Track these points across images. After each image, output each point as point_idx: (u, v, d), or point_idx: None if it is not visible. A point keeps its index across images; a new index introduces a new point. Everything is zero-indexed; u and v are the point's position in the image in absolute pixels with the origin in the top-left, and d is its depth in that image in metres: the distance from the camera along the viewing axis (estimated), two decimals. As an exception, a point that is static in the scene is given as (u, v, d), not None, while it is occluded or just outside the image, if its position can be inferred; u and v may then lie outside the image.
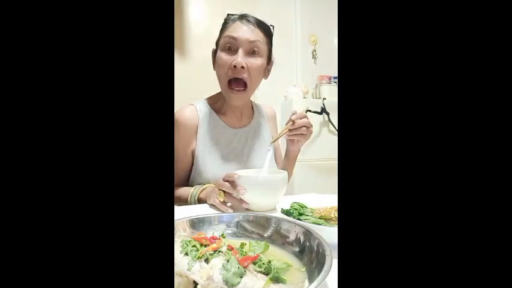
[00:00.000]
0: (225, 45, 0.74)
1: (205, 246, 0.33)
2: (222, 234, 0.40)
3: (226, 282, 0.28)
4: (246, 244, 0.36)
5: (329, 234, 0.38)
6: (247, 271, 0.29)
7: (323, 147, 1.70)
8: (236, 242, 0.36)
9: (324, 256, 0.30)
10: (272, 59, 0.83)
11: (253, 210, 0.62)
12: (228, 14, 0.79)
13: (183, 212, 0.63)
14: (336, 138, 1.75)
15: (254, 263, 0.31)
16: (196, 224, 0.44)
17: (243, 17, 0.76)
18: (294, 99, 1.94)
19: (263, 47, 0.76)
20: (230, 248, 0.33)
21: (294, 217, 0.49)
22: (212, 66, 0.83)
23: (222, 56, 0.74)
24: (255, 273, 0.29)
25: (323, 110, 1.93)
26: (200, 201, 0.73)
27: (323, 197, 0.60)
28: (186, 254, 0.32)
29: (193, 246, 0.33)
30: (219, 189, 0.63)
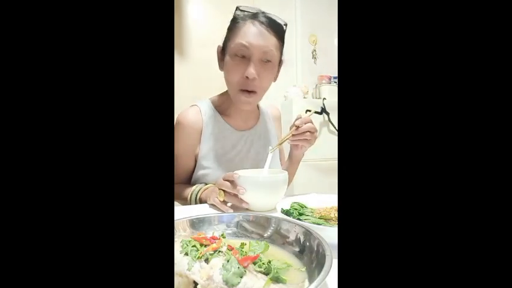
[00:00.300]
0: (237, 52, 0.69)
1: (205, 246, 0.33)
2: (222, 234, 0.40)
3: (226, 282, 0.28)
4: (246, 244, 0.36)
5: (329, 234, 0.38)
6: (247, 271, 0.29)
7: (323, 147, 1.70)
8: (236, 242, 0.36)
9: (324, 256, 0.30)
10: (282, 60, 0.80)
11: (253, 210, 0.62)
12: (238, 8, 0.73)
13: (183, 212, 0.63)
14: (336, 138, 1.75)
15: (254, 263, 0.31)
16: (196, 224, 0.44)
17: (255, 17, 0.70)
18: (294, 99, 1.94)
19: (276, 54, 0.72)
20: (230, 248, 0.33)
21: (294, 217, 0.49)
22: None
23: (234, 62, 0.71)
24: (255, 273, 0.29)
25: (323, 110, 1.93)
26: (201, 201, 0.73)
27: (323, 197, 0.60)
28: (186, 254, 0.32)
29: (193, 246, 0.33)
30: (219, 189, 0.63)
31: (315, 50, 2.44)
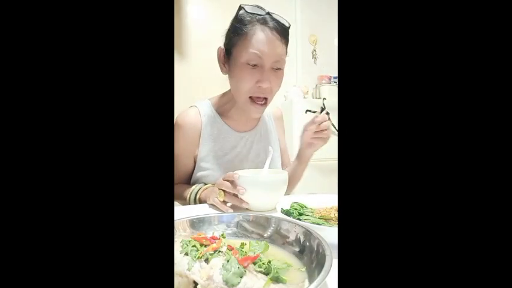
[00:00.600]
0: (250, 61, 0.68)
1: (205, 246, 0.33)
2: (222, 234, 0.40)
3: (226, 282, 0.28)
4: (246, 244, 0.36)
5: (329, 234, 0.38)
6: (247, 271, 0.29)
7: (323, 147, 1.70)
8: (236, 242, 0.36)
9: (324, 256, 0.30)
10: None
11: (253, 210, 0.62)
12: (242, 8, 0.70)
13: (183, 212, 0.63)
14: (336, 138, 1.74)
15: (254, 263, 0.31)
16: (196, 224, 0.44)
17: (264, 22, 0.68)
18: (294, 99, 1.94)
19: (284, 59, 0.72)
20: (230, 248, 0.33)
21: (294, 217, 0.49)
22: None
23: (245, 71, 0.69)
24: (255, 273, 0.29)
25: (323, 110, 1.93)
26: (200, 201, 0.73)
27: (323, 197, 0.60)
28: (186, 254, 0.32)
29: (193, 246, 0.33)
30: (219, 189, 0.63)
31: (315, 50, 2.44)
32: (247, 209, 0.61)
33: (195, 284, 0.29)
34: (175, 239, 0.35)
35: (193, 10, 2.13)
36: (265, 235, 0.42)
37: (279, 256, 0.36)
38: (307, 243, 0.36)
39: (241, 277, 0.28)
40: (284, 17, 0.73)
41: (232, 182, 0.61)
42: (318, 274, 0.27)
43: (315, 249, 0.34)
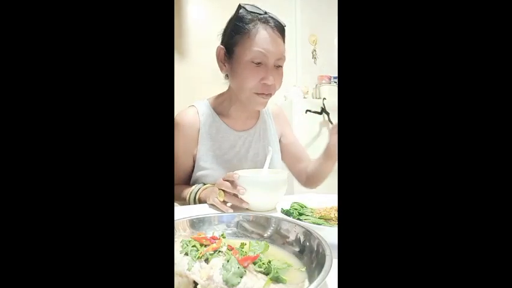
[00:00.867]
0: (254, 59, 0.69)
1: (205, 246, 0.33)
2: (222, 234, 0.40)
3: (226, 282, 0.28)
4: (246, 244, 0.36)
5: (329, 234, 0.38)
6: (247, 271, 0.29)
7: (323, 147, 1.70)
8: (236, 242, 0.36)
9: (324, 256, 0.30)
10: None
11: (253, 210, 0.62)
12: (242, 7, 0.71)
13: (183, 212, 0.63)
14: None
15: (254, 263, 0.31)
16: (196, 224, 0.44)
17: (265, 21, 0.70)
18: (294, 99, 1.94)
19: (285, 57, 0.74)
20: (230, 248, 0.33)
21: (294, 217, 0.49)
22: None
23: (249, 69, 0.70)
24: (255, 273, 0.29)
25: (323, 110, 1.94)
26: (200, 201, 0.73)
27: (322, 197, 0.60)
28: (186, 254, 0.32)
29: (193, 246, 0.33)
30: (219, 189, 0.63)
31: (315, 50, 2.44)
32: (247, 209, 0.61)
33: (195, 284, 0.29)
34: (175, 239, 0.35)
35: (193, 10, 2.13)
36: (265, 235, 0.42)
37: (279, 256, 0.36)
38: (307, 243, 0.36)
39: (241, 277, 0.28)
40: (283, 17, 0.75)
41: (232, 182, 0.61)
42: (318, 274, 0.27)
43: (315, 249, 0.34)
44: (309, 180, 0.88)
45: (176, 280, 0.30)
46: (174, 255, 0.32)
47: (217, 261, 0.30)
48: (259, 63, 0.70)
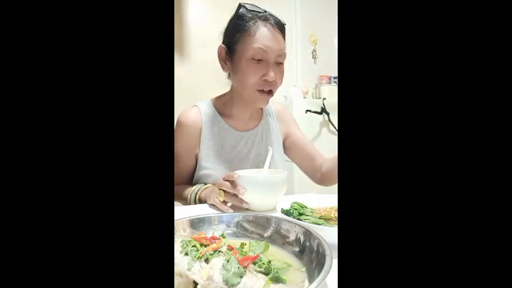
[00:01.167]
0: (255, 56, 0.70)
1: (205, 246, 0.33)
2: (222, 234, 0.40)
3: (226, 282, 0.28)
4: (246, 244, 0.36)
5: (329, 234, 0.38)
6: (247, 271, 0.29)
7: (323, 147, 1.70)
8: (236, 242, 0.36)
9: (324, 256, 0.30)
10: None
11: (253, 210, 0.62)
12: (242, 6, 0.72)
13: (183, 212, 0.63)
14: (336, 138, 1.75)
15: (254, 263, 0.31)
16: (196, 224, 0.44)
17: (265, 18, 0.71)
18: (294, 99, 1.94)
19: (285, 54, 0.74)
20: (230, 248, 0.33)
21: (294, 217, 0.49)
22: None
23: (250, 66, 0.71)
24: (255, 273, 0.29)
25: (323, 110, 1.94)
26: (200, 201, 0.73)
27: (323, 197, 0.60)
28: (186, 254, 0.32)
29: (193, 246, 0.33)
30: (219, 189, 0.63)
31: (315, 50, 2.44)
32: (247, 209, 0.61)
33: (195, 284, 0.29)
34: (175, 239, 0.35)
35: (193, 10, 2.13)
36: (265, 235, 0.42)
37: (279, 256, 0.36)
38: (307, 243, 0.36)
39: (241, 277, 0.28)
40: (283, 17, 0.76)
41: (232, 182, 0.61)
42: (318, 274, 0.27)
43: (315, 249, 0.34)
44: (325, 178, 0.86)
45: (176, 280, 0.30)
46: (174, 255, 0.32)
47: (217, 261, 0.30)
48: (259, 60, 0.70)
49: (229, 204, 0.62)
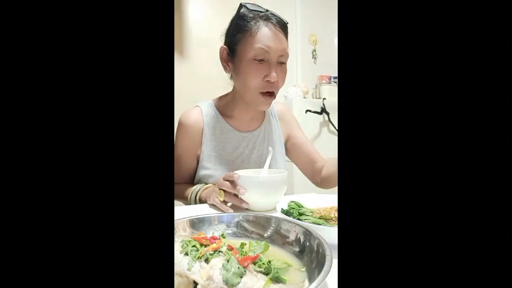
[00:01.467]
0: (257, 56, 0.69)
1: (205, 246, 0.33)
2: (222, 234, 0.40)
3: (226, 282, 0.28)
4: (246, 244, 0.36)
5: (329, 234, 0.38)
6: (247, 271, 0.29)
7: (323, 147, 1.71)
8: (236, 242, 0.36)
9: (324, 256, 0.30)
10: None
11: (253, 210, 0.62)
12: (243, 6, 0.71)
13: (183, 212, 0.63)
14: (336, 138, 1.75)
15: (254, 263, 0.31)
16: (196, 224, 0.44)
17: (267, 18, 0.70)
18: (294, 99, 1.94)
19: (288, 54, 0.73)
20: (230, 248, 0.33)
21: (294, 217, 0.49)
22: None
23: (253, 67, 0.70)
24: (255, 273, 0.29)
25: (323, 110, 1.94)
26: (200, 200, 0.73)
27: (323, 197, 0.60)
28: (186, 254, 0.32)
29: (193, 246, 0.33)
30: (219, 189, 0.63)
31: (315, 50, 2.44)
32: (247, 209, 0.61)
33: (195, 284, 0.29)
34: (175, 239, 0.35)
35: (193, 10, 2.13)
36: (265, 235, 0.42)
37: (279, 256, 0.36)
38: (307, 243, 0.36)
39: (241, 277, 0.28)
40: (283, 17, 0.74)
41: (232, 182, 0.61)
42: (318, 274, 0.27)
43: (315, 249, 0.34)
44: (325, 181, 0.85)
45: (176, 280, 0.30)
46: (174, 255, 0.32)
47: (217, 261, 0.30)
48: (261, 60, 0.69)
49: (229, 204, 0.62)
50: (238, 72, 0.73)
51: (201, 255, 0.31)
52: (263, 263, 0.30)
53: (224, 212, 0.58)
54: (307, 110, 1.90)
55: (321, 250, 0.32)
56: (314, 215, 0.51)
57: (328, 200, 0.58)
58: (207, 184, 0.76)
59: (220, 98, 0.86)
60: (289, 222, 0.41)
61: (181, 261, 0.31)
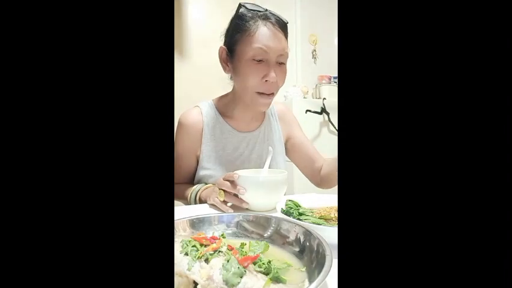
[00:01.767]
0: (255, 56, 0.68)
1: (205, 246, 0.33)
2: (222, 234, 0.40)
3: (226, 282, 0.28)
4: (246, 244, 0.36)
5: (329, 234, 0.38)
6: (247, 271, 0.29)
7: (323, 147, 1.71)
8: (236, 242, 0.36)
9: (324, 256, 0.30)
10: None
11: (253, 210, 0.62)
12: (242, 6, 0.71)
13: (183, 212, 0.63)
14: (336, 138, 1.75)
15: (254, 263, 0.31)
16: (196, 224, 0.44)
17: (266, 17, 0.69)
18: (294, 99, 1.94)
19: (287, 54, 0.72)
20: (230, 248, 0.33)
21: (294, 217, 0.49)
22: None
23: (251, 67, 0.69)
24: (255, 273, 0.29)
25: (323, 110, 1.94)
26: (200, 200, 0.73)
27: (322, 197, 0.60)
28: (186, 254, 0.32)
29: (193, 246, 0.33)
30: (219, 189, 0.63)
31: (315, 50, 2.44)
32: (247, 209, 0.61)
33: (195, 284, 0.29)
34: (175, 239, 0.35)
35: (193, 10, 2.13)
36: (265, 235, 0.42)
37: (279, 256, 0.36)
38: (307, 243, 0.36)
39: (241, 277, 0.28)
40: (283, 16, 0.74)
41: (232, 182, 0.61)
42: (318, 274, 0.27)
43: (315, 249, 0.34)
44: (324, 180, 0.85)
45: (176, 280, 0.30)
46: (174, 255, 0.32)
47: (217, 261, 0.30)
48: (260, 60, 0.69)
49: (229, 204, 0.62)
50: (237, 73, 0.73)
51: (201, 255, 0.31)
52: (263, 263, 0.30)
53: (224, 212, 0.58)
54: (307, 110, 1.90)
55: (321, 250, 0.32)
56: (314, 215, 0.51)
57: (328, 200, 0.58)
58: (206, 184, 0.76)
59: (220, 98, 0.86)
60: (289, 222, 0.41)
61: (181, 261, 0.31)
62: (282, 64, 0.72)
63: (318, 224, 0.44)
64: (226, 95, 0.85)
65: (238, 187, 0.60)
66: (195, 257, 0.31)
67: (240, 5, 0.72)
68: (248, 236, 0.44)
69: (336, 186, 0.27)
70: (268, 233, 0.42)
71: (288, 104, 1.92)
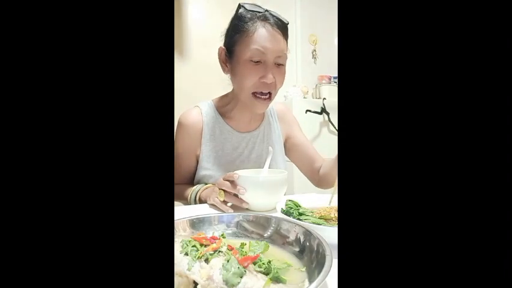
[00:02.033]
0: (253, 57, 0.68)
1: (205, 246, 0.33)
2: (222, 234, 0.40)
3: (226, 282, 0.28)
4: (246, 244, 0.36)
5: (329, 234, 0.38)
6: (247, 271, 0.29)
7: (323, 147, 1.70)
8: (236, 242, 0.36)
9: (324, 256, 0.30)
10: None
11: (253, 210, 0.62)
12: (241, 7, 0.71)
13: (183, 212, 0.63)
14: (336, 138, 1.75)
15: (254, 263, 0.31)
16: (196, 224, 0.44)
17: (265, 18, 0.69)
18: (294, 99, 1.94)
19: (286, 55, 0.72)
20: (230, 248, 0.33)
21: (294, 217, 0.49)
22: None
23: (248, 67, 0.69)
24: (255, 273, 0.29)
25: (323, 110, 1.94)
26: (200, 200, 0.73)
27: (323, 197, 0.60)
28: (186, 254, 0.32)
29: (193, 246, 0.33)
30: (219, 189, 0.63)
31: (315, 50, 2.44)
32: (247, 209, 0.61)
33: (195, 284, 0.29)
34: (175, 239, 0.35)
35: (193, 10, 2.13)
36: (265, 235, 0.42)
37: (279, 256, 0.36)
38: (307, 243, 0.36)
39: (241, 277, 0.28)
40: (283, 17, 0.74)
41: (232, 182, 0.61)
42: (318, 274, 0.27)
43: (315, 249, 0.34)
44: (323, 180, 0.84)
45: (176, 280, 0.30)
46: (174, 255, 0.32)
47: (217, 261, 0.30)
48: (258, 61, 0.69)
49: (229, 204, 0.62)
50: (235, 73, 0.73)
51: (201, 255, 0.31)
52: (263, 263, 0.30)
53: (224, 212, 0.58)
54: (307, 110, 1.90)
55: (321, 250, 0.32)
56: (314, 215, 0.51)
57: (328, 200, 0.58)
58: (206, 184, 0.76)
59: (220, 98, 0.86)
60: (289, 222, 0.41)
61: (181, 261, 0.31)
62: (280, 65, 0.72)
63: (318, 224, 0.44)
64: (226, 95, 0.85)
65: (238, 187, 0.60)
66: (195, 257, 0.31)
67: (240, 6, 0.72)
68: (248, 236, 0.44)
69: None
70: (268, 233, 0.42)
71: (288, 104, 1.92)
